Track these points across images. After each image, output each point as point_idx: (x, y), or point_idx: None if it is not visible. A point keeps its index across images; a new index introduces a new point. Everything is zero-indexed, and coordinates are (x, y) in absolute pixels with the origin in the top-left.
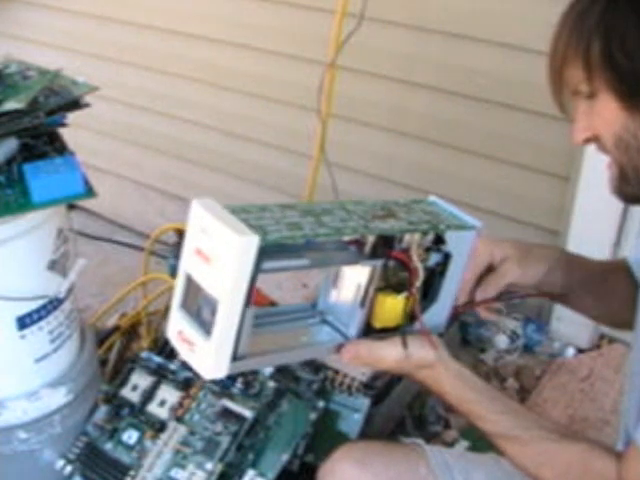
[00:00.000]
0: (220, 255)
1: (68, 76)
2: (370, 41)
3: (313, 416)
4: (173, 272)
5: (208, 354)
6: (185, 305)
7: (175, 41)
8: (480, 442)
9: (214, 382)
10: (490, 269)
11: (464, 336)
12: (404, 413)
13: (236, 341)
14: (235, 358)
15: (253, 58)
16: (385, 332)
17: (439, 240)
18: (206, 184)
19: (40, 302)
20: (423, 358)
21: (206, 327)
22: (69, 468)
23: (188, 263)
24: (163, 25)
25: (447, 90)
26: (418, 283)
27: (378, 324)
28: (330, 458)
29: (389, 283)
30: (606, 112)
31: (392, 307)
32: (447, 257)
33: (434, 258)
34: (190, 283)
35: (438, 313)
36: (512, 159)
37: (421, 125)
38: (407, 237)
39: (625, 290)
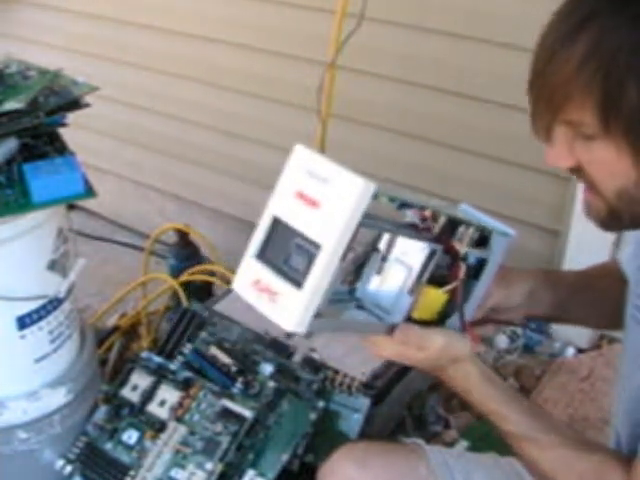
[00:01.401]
0: (334, 198)
1: (68, 76)
2: (370, 41)
3: (313, 416)
4: (173, 272)
5: (296, 305)
6: (265, 253)
7: (175, 41)
8: (480, 442)
9: (214, 382)
10: None
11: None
12: (404, 413)
13: (324, 296)
14: (315, 315)
15: (253, 58)
16: (419, 324)
17: (481, 242)
18: (206, 184)
19: (40, 302)
20: (461, 350)
21: (297, 276)
22: (69, 468)
23: (279, 207)
24: (163, 25)
25: (447, 90)
26: (462, 275)
27: (417, 315)
28: (330, 458)
29: (431, 275)
30: (612, 163)
31: (434, 299)
32: (483, 260)
33: (471, 259)
34: (278, 228)
35: (456, 318)
36: (512, 159)
37: (421, 125)
38: (461, 231)
39: (616, 291)
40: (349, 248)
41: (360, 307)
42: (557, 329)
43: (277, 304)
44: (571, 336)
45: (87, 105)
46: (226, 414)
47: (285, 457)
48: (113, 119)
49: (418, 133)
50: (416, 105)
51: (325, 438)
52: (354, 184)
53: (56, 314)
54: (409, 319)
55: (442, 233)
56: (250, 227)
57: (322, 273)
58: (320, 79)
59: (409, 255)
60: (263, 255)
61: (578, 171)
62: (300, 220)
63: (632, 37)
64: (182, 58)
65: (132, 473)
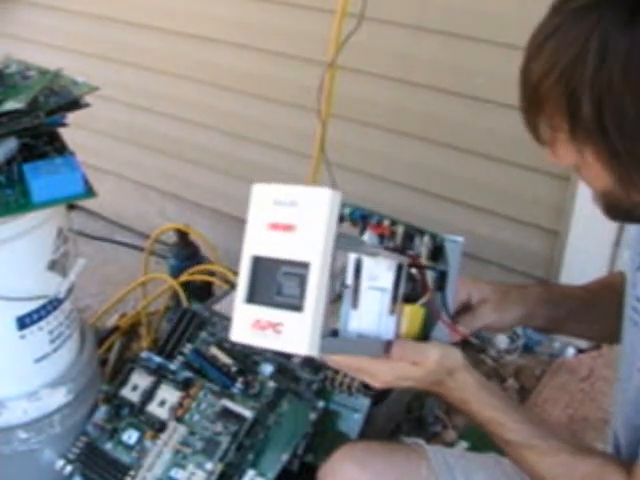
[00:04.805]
0: (307, 215)
1: (68, 76)
2: (370, 41)
3: (313, 416)
4: (173, 272)
5: (303, 327)
6: (255, 295)
7: (175, 41)
8: (480, 442)
9: (214, 382)
10: (466, 308)
11: None
12: (404, 413)
13: (325, 313)
14: (322, 335)
15: (253, 58)
16: None
17: (436, 256)
18: (206, 184)
19: (40, 302)
20: (455, 360)
21: (294, 301)
22: (69, 468)
23: (255, 246)
24: (163, 25)
25: (447, 90)
26: (430, 285)
27: (403, 334)
28: (330, 458)
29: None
30: (589, 166)
31: (414, 315)
32: (443, 273)
33: (431, 274)
34: (260, 265)
35: (439, 328)
36: (512, 159)
37: (421, 125)
38: (417, 243)
39: (618, 307)
40: (334, 261)
41: None
42: None
43: (283, 334)
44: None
45: (87, 105)
46: (226, 414)
47: (285, 457)
48: (113, 119)
49: (418, 133)
50: (416, 105)
51: (325, 438)
52: (322, 195)
53: (56, 314)
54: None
55: (404, 243)
56: None
57: (318, 289)
58: (320, 79)
59: (379, 279)
60: (253, 297)
61: (576, 170)
62: (280, 249)
63: (586, 49)
64: (182, 58)
65: (132, 473)
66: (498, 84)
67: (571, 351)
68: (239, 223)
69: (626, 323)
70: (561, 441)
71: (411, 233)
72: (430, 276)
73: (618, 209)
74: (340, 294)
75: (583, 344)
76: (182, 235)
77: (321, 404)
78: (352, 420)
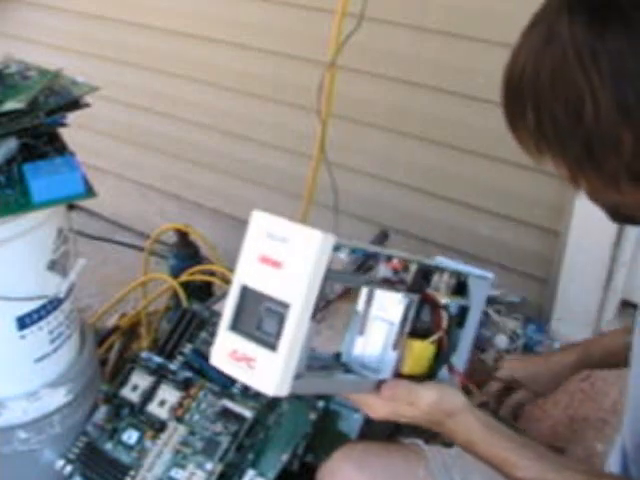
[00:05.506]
0: (295, 255)
1: (68, 76)
2: (370, 41)
3: (313, 416)
4: (173, 272)
5: (273, 368)
6: (238, 324)
7: (175, 41)
8: None
9: (214, 382)
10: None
11: None
12: None
13: (300, 355)
14: (296, 376)
15: (253, 58)
16: (411, 379)
17: (460, 291)
18: (206, 184)
19: (40, 302)
20: (455, 403)
21: (270, 339)
22: (69, 468)
23: (246, 274)
24: (163, 25)
25: (447, 90)
26: (444, 325)
27: (407, 370)
28: (330, 458)
29: (414, 329)
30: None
31: (422, 351)
32: (465, 308)
33: (453, 308)
34: (247, 295)
35: (455, 364)
36: (512, 159)
37: (421, 125)
38: (435, 279)
39: None
40: (318, 304)
41: (348, 371)
42: (557, 329)
43: (255, 370)
44: (571, 336)
45: (87, 105)
46: (226, 414)
47: (285, 457)
48: (113, 119)
49: (418, 133)
50: (416, 105)
51: (325, 438)
52: (312, 238)
53: (56, 314)
54: (400, 376)
55: (416, 281)
56: None
57: (294, 332)
58: (320, 79)
59: (388, 310)
60: (236, 325)
61: None
62: (267, 284)
63: (527, 60)
64: (182, 58)
65: (132, 473)
66: (498, 84)
67: None
68: (239, 223)
69: (636, 330)
70: (574, 471)
71: (428, 271)
72: (447, 314)
73: (604, 208)
74: (330, 300)
75: None
76: (182, 235)
77: (321, 404)
78: (352, 420)
